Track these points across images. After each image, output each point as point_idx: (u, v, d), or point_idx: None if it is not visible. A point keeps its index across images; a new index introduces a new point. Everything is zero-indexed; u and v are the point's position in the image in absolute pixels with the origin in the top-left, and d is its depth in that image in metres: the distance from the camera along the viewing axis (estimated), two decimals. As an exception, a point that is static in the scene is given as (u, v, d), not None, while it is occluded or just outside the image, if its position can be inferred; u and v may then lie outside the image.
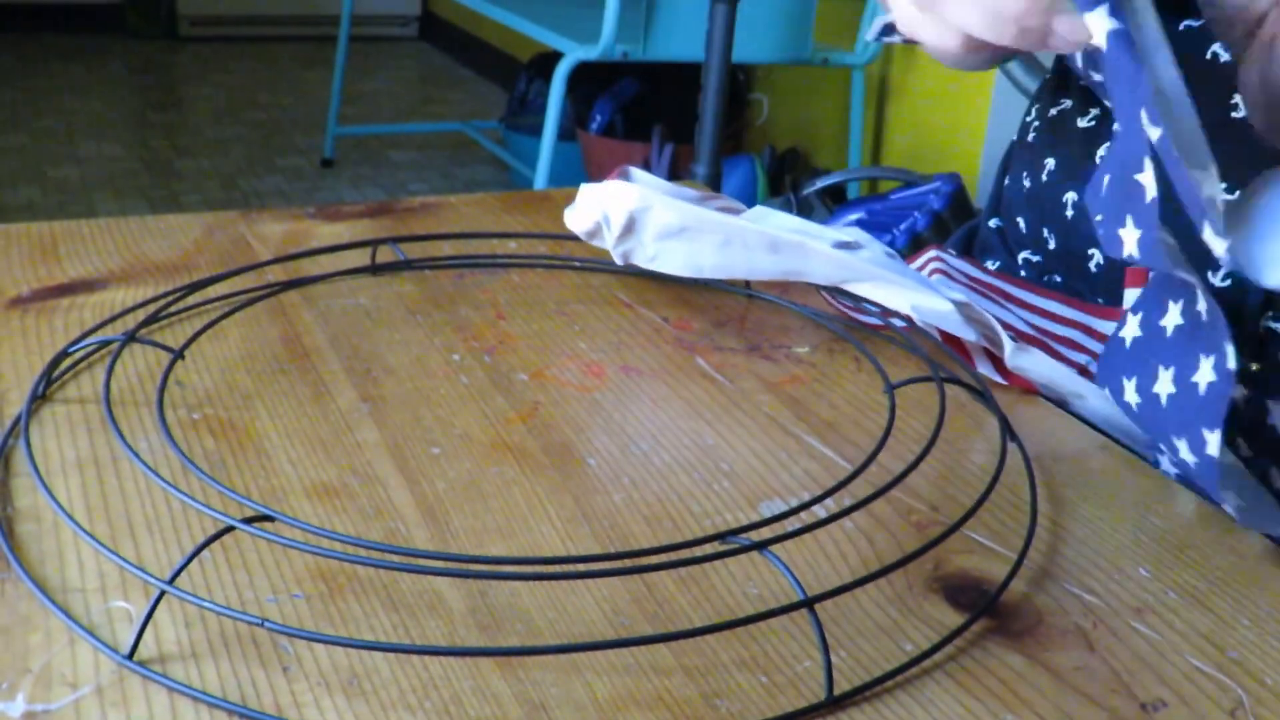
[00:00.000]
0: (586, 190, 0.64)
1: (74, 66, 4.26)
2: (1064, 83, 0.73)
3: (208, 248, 0.72)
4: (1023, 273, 0.74)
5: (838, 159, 2.60)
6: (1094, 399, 0.59)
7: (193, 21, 4.71)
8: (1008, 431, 0.54)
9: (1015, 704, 0.39)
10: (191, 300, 0.64)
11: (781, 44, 2.25)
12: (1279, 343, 0.58)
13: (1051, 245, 0.71)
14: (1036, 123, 0.74)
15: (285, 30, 4.81)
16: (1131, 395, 0.52)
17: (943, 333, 0.62)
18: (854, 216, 1.92)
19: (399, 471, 0.50)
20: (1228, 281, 0.59)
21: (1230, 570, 0.47)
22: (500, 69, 4.19)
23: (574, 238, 0.67)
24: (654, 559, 0.41)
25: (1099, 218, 0.48)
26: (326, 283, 0.68)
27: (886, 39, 0.61)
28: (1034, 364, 0.59)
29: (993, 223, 0.79)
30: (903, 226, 1.88)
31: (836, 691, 0.39)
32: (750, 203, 2.35)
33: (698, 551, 0.42)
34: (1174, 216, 0.48)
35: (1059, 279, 0.71)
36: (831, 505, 0.49)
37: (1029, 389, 0.61)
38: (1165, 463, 0.57)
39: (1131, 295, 0.63)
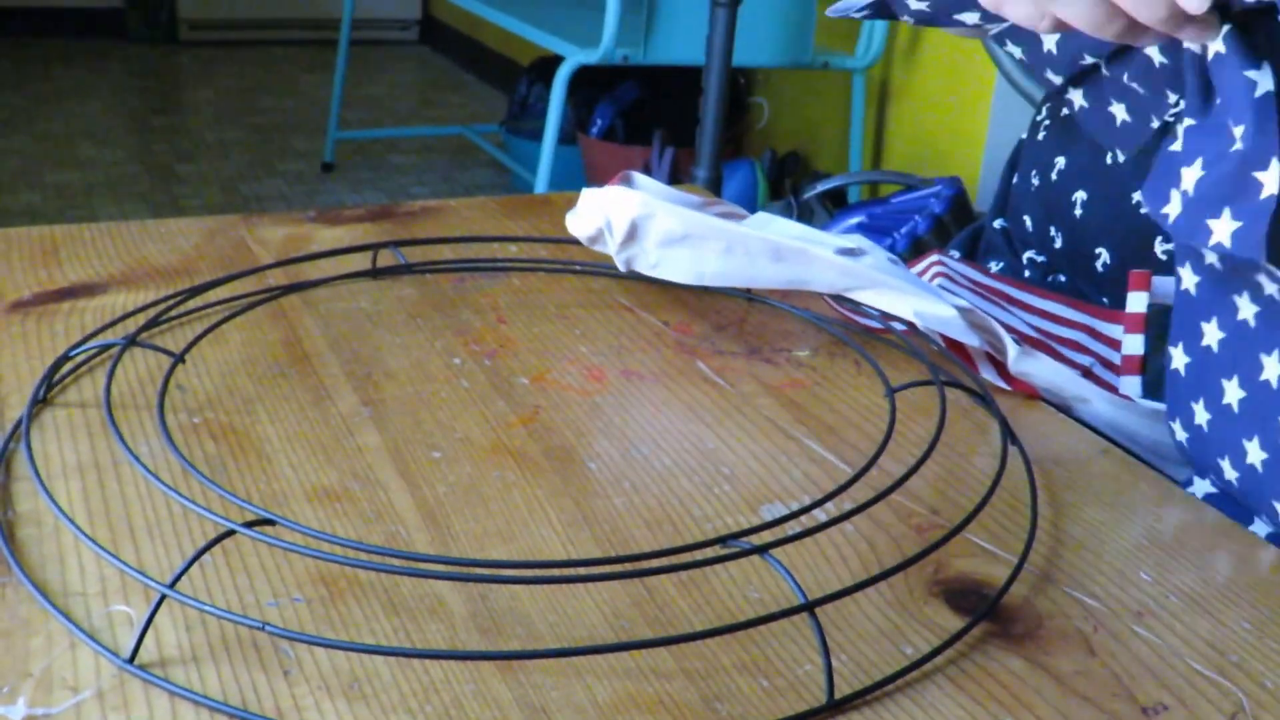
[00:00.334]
0: (588, 195, 0.65)
1: (74, 70, 4.26)
2: (1076, 82, 0.73)
3: (208, 252, 0.72)
4: (1028, 273, 0.74)
5: (838, 163, 2.60)
6: (1098, 403, 0.59)
7: (193, 25, 4.71)
8: (1009, 435, 0.54)
9: (1016, 708, 0.39)
10: (192, 304, 0.64)
11: (782, 47, 2.25)
12: None
13: (1058, 244, 0.71)
14: (1047, 121, 0.74)
15: (286, 34, 4.81)
16: (1201, 415, 0.55)
17: (946, 338, 0.62)
18: (855, 220, 1.92)
19: (400, 475, 0.50)
20: None
21: (1231, 574, 0.47)
22: (501, 73, 4.19)
23: (575, 241, 0.67)
24: (655, 562, 0.41)
25: (1172, 209, 0.50)
26: (327, 286, 0.68)
27: (855, 14, 0.62)
28: (1038, 368, 0.59)
29: (998, 223, 0.79)
30: (903, 230, 1.88)
31: (837, 695, 0.39)
32: (751, 207, 2.35)
33: (698, 555, 0.42)
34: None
35: (1064, 279, 0.71)
36: (832, 509, 0.49)
37: (1032, 394, 0.60)
38: (1205, 485, 0.57)
39: (1134, 298, 0.63)
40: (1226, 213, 0.48)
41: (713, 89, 1.98)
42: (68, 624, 0.40)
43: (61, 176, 3.22)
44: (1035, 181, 0.73)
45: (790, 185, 2.32)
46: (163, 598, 0.40)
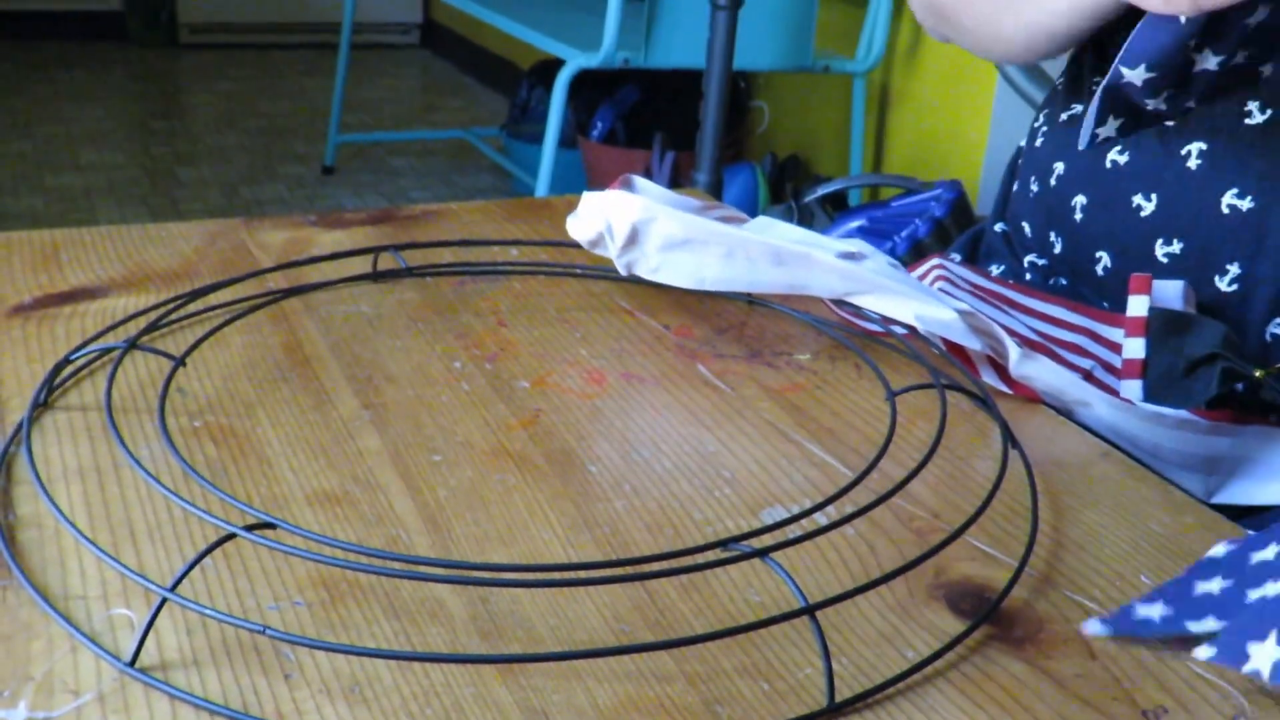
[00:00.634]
0: (589, 198, 0.65)
1: (75, 74, 4.26)
2: (1075, 88, 0.73)
3: (209, 255, 0.72)
4: (1029, 276, 0.74)
5: (839, 166, 2.60)
6: (1099, 406, 0.59)
7: (194, 29, 4.71)
8: (1009, 438, 0.54)
9: (1017, 711, 0.39)
10: (193, 308, 0.64)
11: (782, 51, 2.25)
12: None
13: (1058, 250, 0.71)
14: (1046, 128, 0.74)
15: (286, 38, 4.81)
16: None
17: (947, 342, 0.62)
18: (855, 224, 1.92)
19: (400, 479, 0.50)
20: (1234, 286, 0.59)
21: (1232, 577, 0.47)
22: (502, 76, 4.20)
23: (575, 245, 0.67)
24: (655, 566, 0.41)
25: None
26: (328, 290, 0.68)
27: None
28: (1040, 372, 0.59)
29: (998, 227, 0.79)
30: (904, 234, 1.88)
31: (838, 699, 0.39)
32: (752, 210, 2.35)
33: (699, 558, 0.42)
34: None
35: (1064, 282, 0.71)
36: (833, 512, 0.49)
37: (1033, 397, 0.60)
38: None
39: (1135, 302, 0.63)
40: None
41: (713, 92, 1.98)
42: (69, 627, 0.40)
43: (62, 180, 3.22)
44: (1035, 187, 0.73)
45: (791, 189, 2.32)
46: (163, 601, 0.40)
